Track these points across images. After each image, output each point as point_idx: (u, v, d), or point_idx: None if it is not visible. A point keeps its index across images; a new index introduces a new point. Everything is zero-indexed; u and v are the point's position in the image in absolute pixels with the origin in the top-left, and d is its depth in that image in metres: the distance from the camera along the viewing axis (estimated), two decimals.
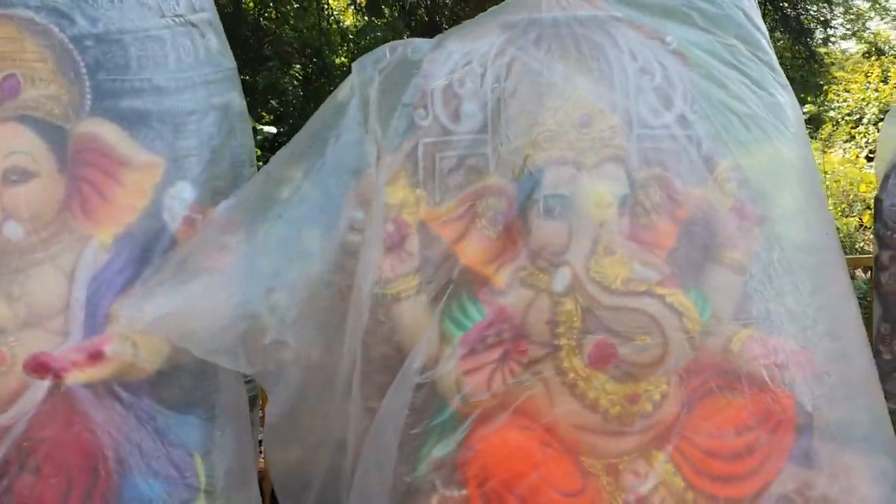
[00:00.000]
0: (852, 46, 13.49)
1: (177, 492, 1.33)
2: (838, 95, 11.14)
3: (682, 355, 1.53)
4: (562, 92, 1.65)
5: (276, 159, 1.49)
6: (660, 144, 1.77)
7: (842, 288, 1.70)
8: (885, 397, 2.01)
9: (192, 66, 1.56)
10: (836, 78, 10.51)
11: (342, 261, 1.43)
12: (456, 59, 1.73)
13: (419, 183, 1.69)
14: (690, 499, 1.57)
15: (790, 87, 1.75)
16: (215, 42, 1.61)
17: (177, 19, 1.54)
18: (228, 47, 1.65)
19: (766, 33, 1.77)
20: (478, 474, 1.47)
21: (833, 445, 1.57)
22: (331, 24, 8.57)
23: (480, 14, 1.79)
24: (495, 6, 1.80)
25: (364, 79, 1.58)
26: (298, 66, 8.34)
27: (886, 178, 1.96)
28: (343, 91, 1.58)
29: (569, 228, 1.61)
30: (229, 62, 1.65)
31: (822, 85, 9.91)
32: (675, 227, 1.75)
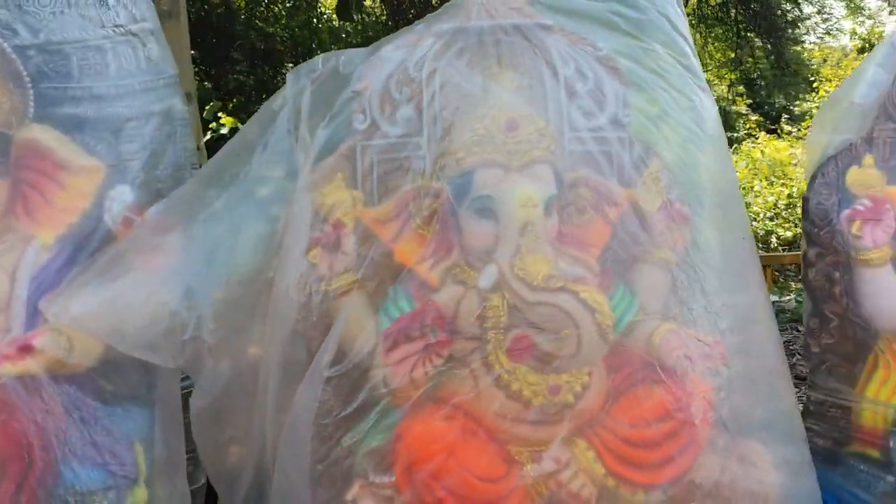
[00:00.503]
0: (848, 43, 13.55)
1: (113, 480, 1.40)
2: (828, 92, 11.25)
3: (596, 348, 1.61)
4: (487, 98, 1.72)
5: (208, 164, 1.56)
6: (592, 147, 1.84)
7: (752, 285, 1.77)
8: (813, 388, 2.11)
9: (133, 73, 1.63)
10: (818, 75, 10.62)
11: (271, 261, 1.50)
12: (392, 65, 1.80)
13: (356, 184, 1.76)
14: (611, 485, 1.65)
15: (709, 91, 1.83)
16: (156, 50, 1.68)
17: (117, 29, 1.61)
18: (170, 54, 1.72)
19: (690, 39, 1.85)
20: (404, 462, 1.55)
21: (742, 435, 1.65)
22: (322, 24, 8.62)
23: (416, 21, 1.87)
24: (430, 13, 1.88)
25: (297, 89, 1.65)
26: (291, 64, 8.41)
27: (813, 178, 2.04)
28: (277, 100, 1.65)
29: (496, 228, 1.68)
30: (171, 69, 1.72)
31: (801, 83, 10.03)
32: (607, 227, 1.83)
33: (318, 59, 1.71)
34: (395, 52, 1.82)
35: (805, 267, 2.08)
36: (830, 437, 2.08)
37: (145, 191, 1.61)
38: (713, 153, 1.81)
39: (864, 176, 1.97)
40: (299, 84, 1.66)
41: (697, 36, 6.35)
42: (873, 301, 1.97)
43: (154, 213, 1.48)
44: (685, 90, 1.81)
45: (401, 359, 1.53)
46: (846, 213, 1.96)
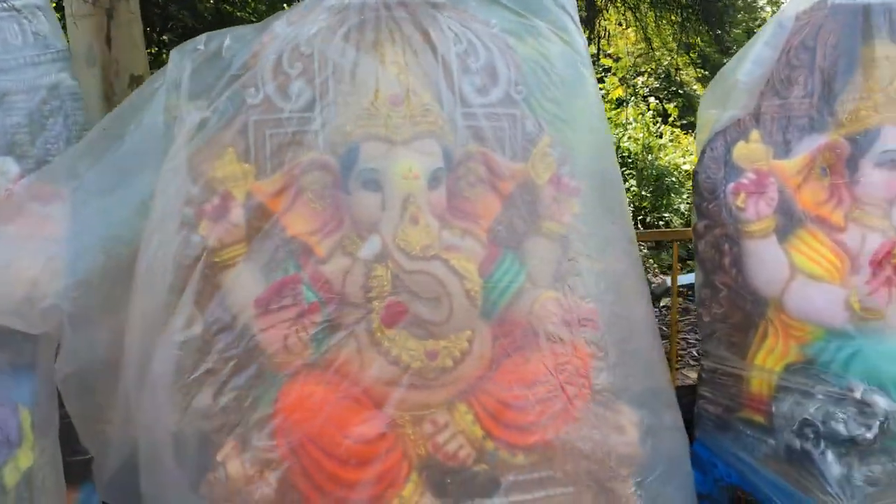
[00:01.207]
0: None
1: None
2: None
3: (466, 314, 1.66)
4: (374, 74, 1.76)
5: (84, 139, 1.59)
6: (484, 122, 1.89)
7: (626, 256, 1.84)
8: (706, 356, 2.18)
9: (20, 48, 1.66)
10: None
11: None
12: (284, 41, 1.83)
13: (249, 158, 1.80)
14: (490, 447, 1.71)
15: (591, 67, 1.88)
16: (45, 25, 1.70)
17: (3, 5, 1.63)
18: (60, 29, 1.74)
19: (576, 16, 1.90)
20: (284, 425, 1.60)
21: (614, 399, 1.72)
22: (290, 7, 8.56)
23: None
24: None
25: (178, 67, 1.68)
26: None
27: (703, 153, 2.11)
28: (157, 78, 1.68)
29: (382, 199, 1.73)
30: (60, 44, 1.74)
31: None
32: (499, 199, 1.88)
33: (202, 38, 1.73)
34: (286, 28, 1.84)
35: (695, 239, 2.15)
36: (721, 404, 2.16)
37: (31, 163, 1.64)
38: (592, 127, 1.87)
39: (749, 150, 2.04)
40: (181, 63, 1.69)
41: (651, 20, 6.41)
42: (757, 271, 2.05)
43: (24, 183, 1.51)
44: (567, 67, 1.86)
45: (272, 325, 1.57)
46: (731, 186, 2.03)
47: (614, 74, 7.36)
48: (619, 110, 7.55)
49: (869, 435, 1.72)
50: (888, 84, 2.02)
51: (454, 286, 1.63)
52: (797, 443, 1.85)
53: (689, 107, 10.10)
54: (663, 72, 10.80)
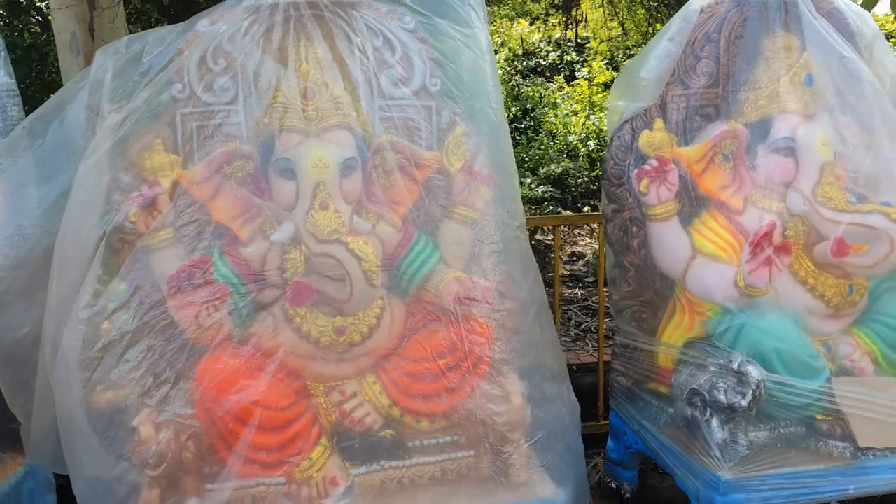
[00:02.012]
0: None
1: None
2: None
3: (366, 293, 1.80)
4: (291, 69, 1.89)
5: (10, 135, 1.73)
6: (401, 113, 2.03)
7: (516, 240, 1.98)
8: (618, 332, 2.32)
9: None
10: None
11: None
12: (208, 39, 1.96)
13: (177, 148, 1.93)
14: (396, 414, 1.86)
15: (493, 63, 2.00)
16: None
17: None
18: None
19: (480, 11, 2.01)
20: (201, 396, 1.75)
21: (509, 370, 1.87)
22: None
23: None
24: None
25: (100, 67, 1.81)
26: None
27: (611, 141, 2.23)
28: (81, 78, 1.81)
29: (296, 187, 1.87)
30: None
31: None
32: (416, 186, 2.02)
33: (125, 41, 1.87)
34: (210, 26, 1.97)
35: (605, 222, 2.28)
36: (632, 377, 2.30)
37: None
38: (492, 124, 2.00)
39: (653, 138, 2.17)
40: (104, 63, 1.82)
41: (624, 6, 6.47)
42: (661, 252, 2.18)
43: None
44: (469, 63, 1.99)
45: (184, 303, 1.72)
46: (635, 172, 2.15)
47: (601, 57, 7.42)
48: (606, 93, 7.63)
49: (743, 402, 1.86)
50: (783, 75, 2.14)
51: (353, 267, 1.77)
52: (688, 411, 2.00)
53: None
54: None
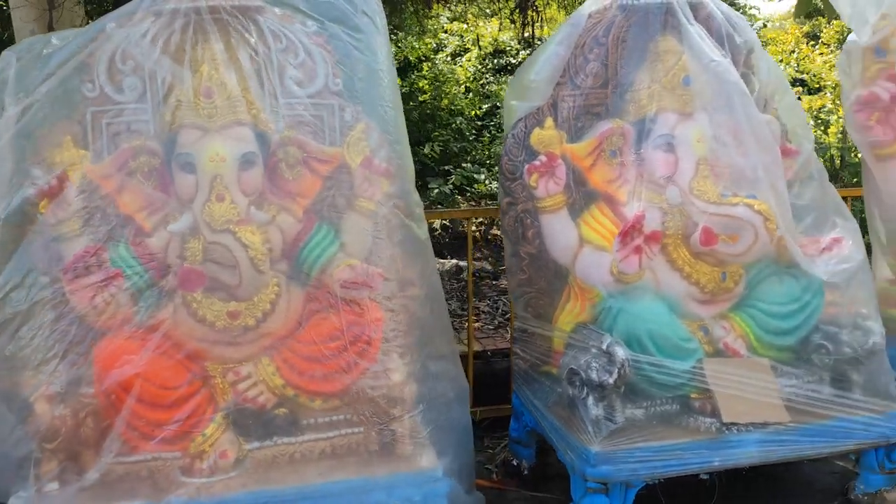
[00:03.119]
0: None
1: None
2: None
3: (254, 279, 1.93)
4: (193, 69, 2.01)
5: None
6: (304, 112, 2.16)
7: (405, 228, 2.12)
8: (517, 318, 2.46)
9: None
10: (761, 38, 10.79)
11: None
12: (116, 40, 2.08)
13: (86, 144, 2.05)
14: (290, 393, 2.00)
15: (388, 67, 2.14)
16: None
17: None
18: None
19: (376, 18, 2.15)
20: (99, 375, 1.88)
21: (387, 347, 2.01)
22: None
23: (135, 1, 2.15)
24: None
25: (7, 64, 1.93)
26: None
27: (506, 138, 2.37)
28: None
29: (196, 180, 1.99)
30: None
31: None
32: (319, 179, 2.15)
33: (30, 41, 1.99)
34: (118, 29, 2.09)
35: (501, 214, 2.41)
36: (529, 361, 2.44)
37: None
38: (388, 123, 2.13)
39: (543, 136, 2.30)
40: (10, 61, 1.94)
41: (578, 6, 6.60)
42: (551, 242, 2.32)
43: None
44: (364, 66, 2.12)
45: (78, 289, 1.84)
46: (526, 167, 2.29)
47: None
48: None
49: (610, 380, 2.00)
50: (664, 75, 2.28)
51: (241, 255, 1.90)
52: (569, 389, 2.14)
53: None
54: None
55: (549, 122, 2.32)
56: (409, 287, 2.10)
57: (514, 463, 2.57)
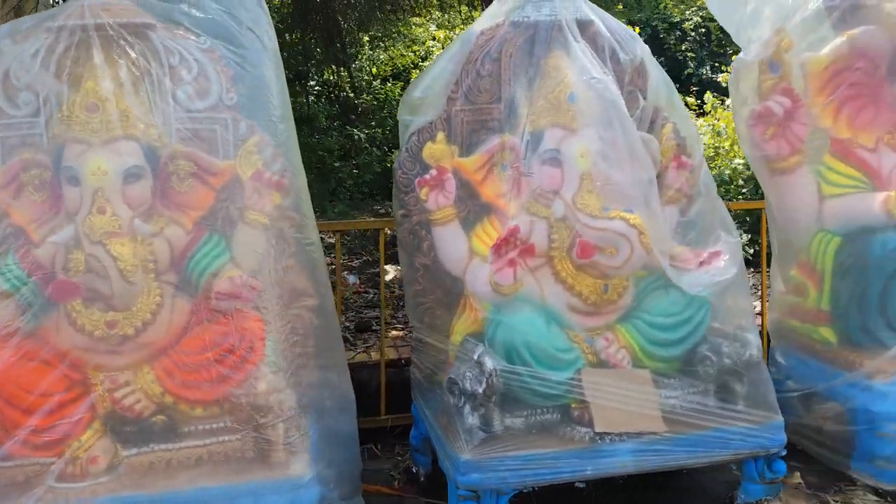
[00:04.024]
0: None
1: None
2: None
3: (125, 290, 1.99)
4: (79, 85, 2.07)
5: None
6: (197, 125, 2.22)
7: (303, 240, 2.21)
8: (413, 329, 2.51)
9: None
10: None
11: None
12: (10, 56, 2.15)
13: None
14: (169, 401, 2.05)
15: (271, 74, 2.20)
16: None
17: None
18: None
19: (262, 35, 2.21)
20: None
21: (257, 358, 2.07)
22: None
23: (28, 16, 2.21)
24: (45, 11, 2.23)
25: None
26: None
27: (401, 152, 2.42)
28: None
29: (80, 193, 2.05)
30: None
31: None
32: (211, 193, 2.21)
33: None
34: (12, 46, 2.16)
35: (397, 226, 2.47)
36: (424, 371, 2.49)
37: None
38: (279, 135, 2.20)
39: (434, 150, 2.36)
40: None
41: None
42: (442, 253, 2.37)
43: None
44: (248, 82, 2.19)
45: None
46: (417, 180, 2.34)
47: None
48: None
49: (479, 389, 2.05)
50: (552, 92, 2.33)
51: (111, 266, 1.95)
52: (450, 399, 2.18)
53: None
54: None
55: (441, 136, 2.38)
56: (304, 297, 2.16)
57: (414, 470, 2.62)
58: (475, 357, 2.09)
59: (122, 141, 2.10)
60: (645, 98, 2.41)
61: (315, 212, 2.37)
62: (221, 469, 2.02)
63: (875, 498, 2.37)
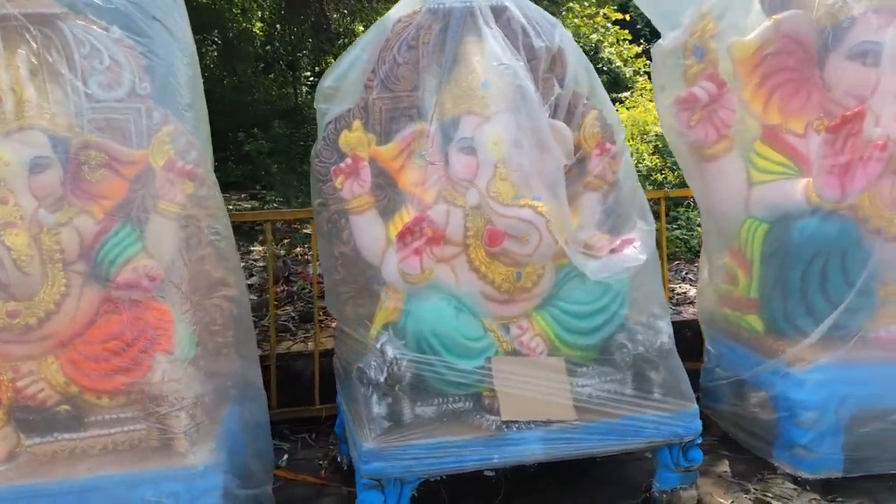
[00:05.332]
0: None
1: None
2: None
3: (22, 280, 1.99)
4: None
5: None
6: (110, 115, 2.22)
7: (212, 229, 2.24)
8: (337, 318, 2.49)
9: None
10: None
11: None
12: None
13: None
14: (74, 391, 2.06)
15: (179, 63, 2.20)
16: None
17: None
18: None
19: (172, 26, 2.20)
20: None
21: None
22: None
23: None
24: None
25: None
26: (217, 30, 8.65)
27: (318, 141, 2.41)
28: None
29: None
30: None
31: None
32: (124, 182, 2.21)
33: None
34: None
35: (315, 216, 2.46)
36: (344, 360, 2.48)
37: None
38: (190, 125, 2.20)
39: (351, 138, 2.34)
40: None
41: None
42: (360, 242, 2.36)
43: None
44: (154, 71, 2.19)
45: None
46: (332, 169, 2.33)
47: None
48: None
49: (381, 378, 2.05)
50: (465, 79, 2.31)
51: (5, 257, 1.95)
52: (360, 388, 2.18)
53: (615, 83, 10.35)
54: (592, 47, 10.98)
55: (357, 124, 2.36)
56: (223, 287, 2.18)
57: (339, 459, 2.62)
58: (378, 346, 2.08)
59: (28, 131, 2.10)
60: (562, 86, 2.38)
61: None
62: (124, 458, 2.02)
63: (793, 486, 2.36)
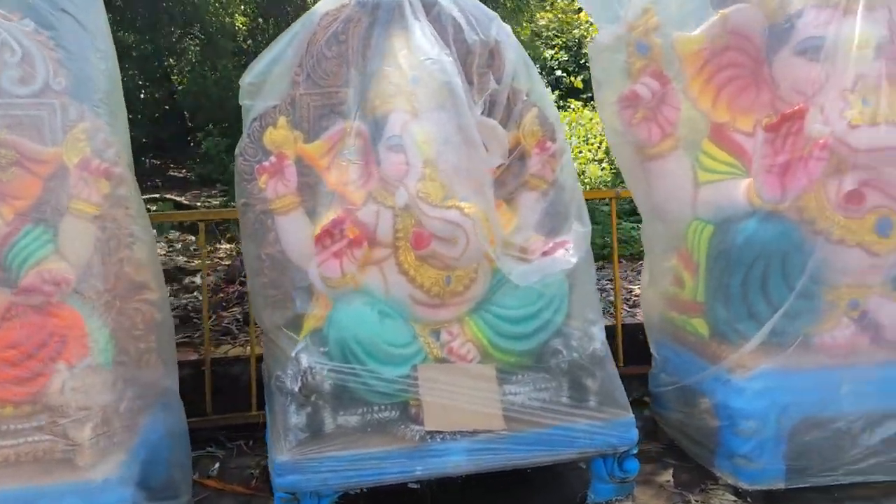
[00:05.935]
0: None
1: None
2: None
3: None
4: None
5: None
6: (21, 111, 2.12)
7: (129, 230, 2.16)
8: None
9: None
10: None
11: None
12: None
13: None
14: None
15: (89, 56, 2.10)
16: None
17: None
18: None
19: (81, 15, 2.11)
20: None
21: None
22: None
23: None
24: None
25: None
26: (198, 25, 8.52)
27: (242, 138, 2.31)
28: None
29: None
30: None
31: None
32: (38, 181, 2.12)
33: None
34: None
35: (240, 216, 2.36)
36: (269, 368, 2.37)
37: None
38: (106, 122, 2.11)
39: (276, 136, 2.25)
40: None
41: None
42: (284, 243, 2.27)
43: None
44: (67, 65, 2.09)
45: None
46: (256, 168, 2.24)
47: None
48: None
49: (296, 388, 1.97)
50: (393, 74, 2.22)
51: None
52: (279, 398, 2.09)
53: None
54: (575, 43, 10.92)
55: (283, 121, 2.27)
56: (145, 291, 2.09)
57: (269, 469, 2.53)
58: (293, 354, 2.00)
59: None
60: (499, 82, 2.29)
61: None
62: (25, 470, 1.93)
63: (733, 498, 2.28)
